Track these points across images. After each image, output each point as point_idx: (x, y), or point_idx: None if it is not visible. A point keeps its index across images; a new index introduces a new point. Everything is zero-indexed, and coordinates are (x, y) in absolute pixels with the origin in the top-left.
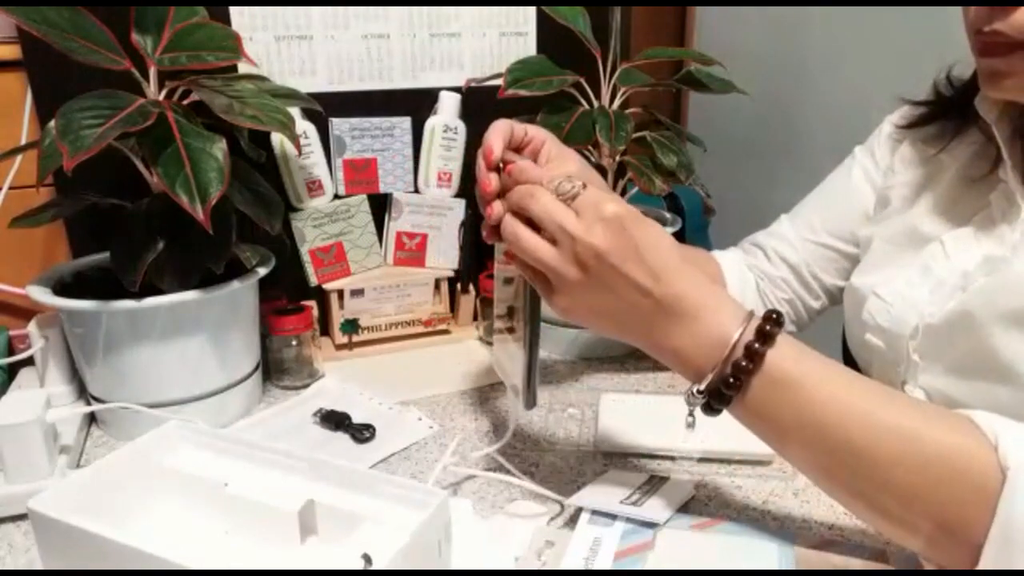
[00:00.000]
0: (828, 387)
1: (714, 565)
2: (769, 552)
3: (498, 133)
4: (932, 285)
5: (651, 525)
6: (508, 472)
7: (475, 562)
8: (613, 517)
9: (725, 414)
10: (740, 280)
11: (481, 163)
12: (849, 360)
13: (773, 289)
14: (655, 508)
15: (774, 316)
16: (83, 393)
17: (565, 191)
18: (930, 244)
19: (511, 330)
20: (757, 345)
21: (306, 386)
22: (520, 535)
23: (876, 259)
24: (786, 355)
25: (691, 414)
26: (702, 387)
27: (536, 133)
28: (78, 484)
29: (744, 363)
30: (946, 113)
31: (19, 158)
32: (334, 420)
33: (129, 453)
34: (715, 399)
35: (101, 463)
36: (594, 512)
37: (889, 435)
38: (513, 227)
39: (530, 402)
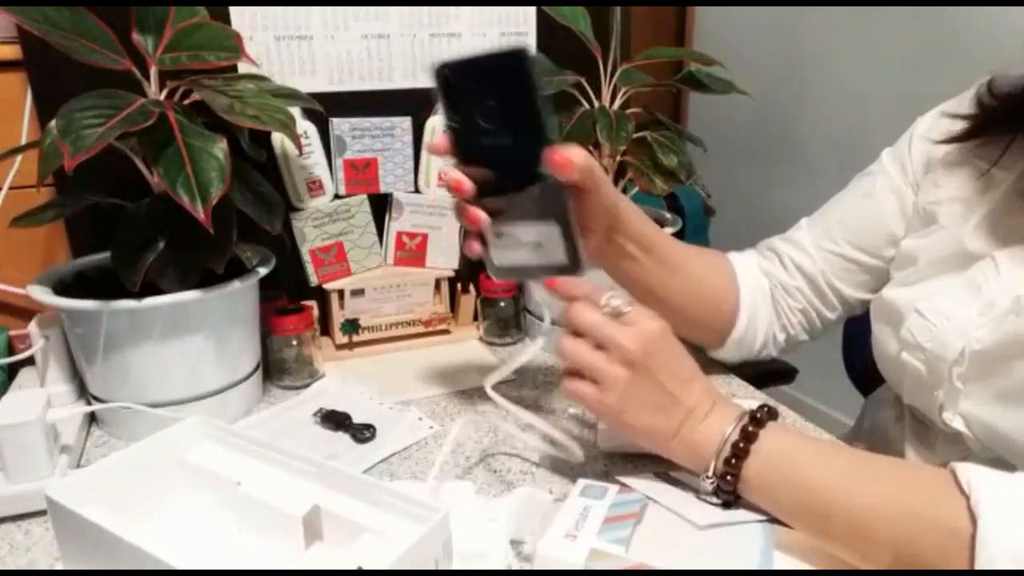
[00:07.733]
0: (812, 462)
1: (701, 534)
2: (755, 521)
3: None
4: (981, 306)
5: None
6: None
7: (468, 539)
8: (604, 491)
9: None
10: (755, 285)
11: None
12: (873, 371)
13: (787, 298)
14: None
15: (758, 415)
16: (83, 393)
17: (613, 307)
18: (979, 261)
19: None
20: (742, 444)
21: (306, 386)
22: (518, 519)
23: (919, 273)
24: (772, 441)
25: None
26: (710, 474)
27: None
28: (99, 472)
29: (732, 459)
30: (991, 127)
31: (19, 158)
32: (334, 420)
33: (152, 445)
34: (721, 489)
35: (123, 453)
36: (587, 486)
37: (869, 500)
38: (571, 344)
39: (581, 266)
